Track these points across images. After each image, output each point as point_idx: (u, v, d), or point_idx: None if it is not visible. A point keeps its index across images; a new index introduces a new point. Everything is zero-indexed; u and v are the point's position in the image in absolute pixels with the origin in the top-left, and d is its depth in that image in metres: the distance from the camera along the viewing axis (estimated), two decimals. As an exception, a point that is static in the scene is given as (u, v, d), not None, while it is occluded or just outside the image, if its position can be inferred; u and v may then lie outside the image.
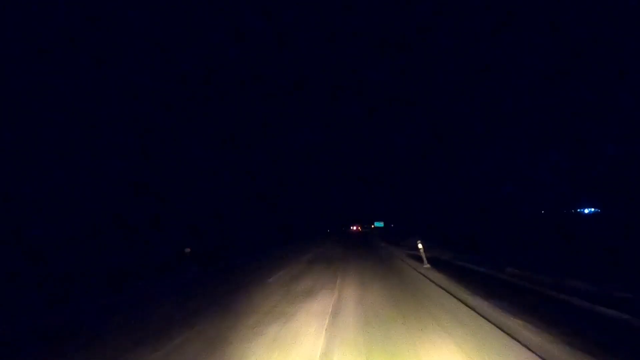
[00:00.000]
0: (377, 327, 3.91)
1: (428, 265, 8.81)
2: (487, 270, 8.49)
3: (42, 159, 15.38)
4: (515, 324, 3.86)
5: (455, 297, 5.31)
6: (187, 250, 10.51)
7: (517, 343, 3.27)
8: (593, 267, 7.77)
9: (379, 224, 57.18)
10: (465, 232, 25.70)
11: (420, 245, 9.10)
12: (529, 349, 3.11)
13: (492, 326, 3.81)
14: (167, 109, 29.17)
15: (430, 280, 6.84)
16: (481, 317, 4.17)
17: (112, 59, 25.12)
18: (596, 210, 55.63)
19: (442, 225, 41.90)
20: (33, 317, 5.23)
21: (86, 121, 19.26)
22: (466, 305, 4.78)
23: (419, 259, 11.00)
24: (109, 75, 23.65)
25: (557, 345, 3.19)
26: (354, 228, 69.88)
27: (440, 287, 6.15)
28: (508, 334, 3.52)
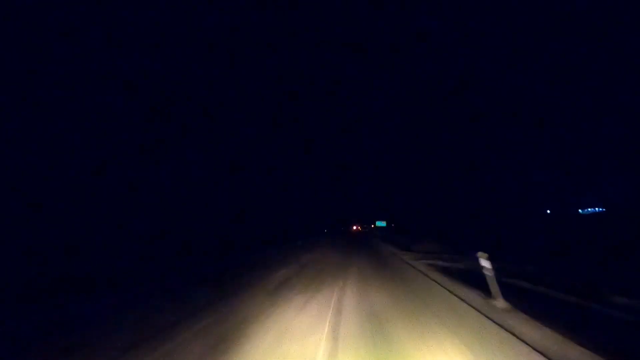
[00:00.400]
0: None
1: (505, 305, 4.46)
2: (582, 301, 4.69)
3: None
4: None
5: None
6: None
7: None
8: None
9: (380, 224, 50.17)
10: (474, 233, 22.43)
11: (485, 264, 4.76)
12: None
13: None
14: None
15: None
16: None
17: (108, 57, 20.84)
18: (601, 209, 51.95)
19: (444, 224, 38.36)
20: None
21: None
22: None
23: (458, 276, 6.69)
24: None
25: None
26: (355, 228, 65.69)
27: None
28: None
